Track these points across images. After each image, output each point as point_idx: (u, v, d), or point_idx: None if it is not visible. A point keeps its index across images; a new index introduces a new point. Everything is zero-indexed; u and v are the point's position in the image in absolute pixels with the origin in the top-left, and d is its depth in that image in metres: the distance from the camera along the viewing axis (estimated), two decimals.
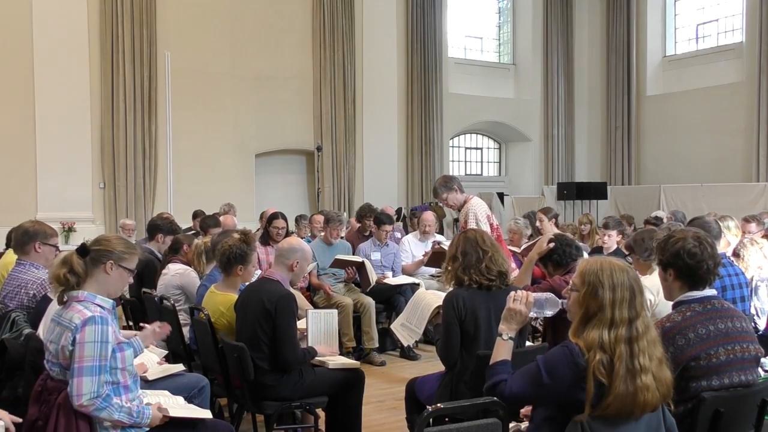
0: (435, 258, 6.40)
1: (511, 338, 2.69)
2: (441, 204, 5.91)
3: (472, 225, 5.40)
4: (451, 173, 14.63)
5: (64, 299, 2.80)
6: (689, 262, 2.73)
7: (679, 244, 2.77)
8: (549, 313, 2.76)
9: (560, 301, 2.72)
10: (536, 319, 5.29)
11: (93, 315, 2.69)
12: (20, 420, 2.65)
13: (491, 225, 5.49)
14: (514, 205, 14.39)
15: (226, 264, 4.19)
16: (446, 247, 5.72)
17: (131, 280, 3.02)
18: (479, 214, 5.47)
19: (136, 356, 2.89)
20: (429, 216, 7.60)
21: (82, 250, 2.82)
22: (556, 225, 7.31)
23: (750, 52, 14.11)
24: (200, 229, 7.08)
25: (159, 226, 6.30)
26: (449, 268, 3.57)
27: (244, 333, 3.74)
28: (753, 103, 13.92)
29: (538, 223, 7.39)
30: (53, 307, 3.31)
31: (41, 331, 3.41)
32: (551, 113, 17.17)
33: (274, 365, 3.68)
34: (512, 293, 2.76)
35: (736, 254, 4.68)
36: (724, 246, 4.98)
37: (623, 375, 2.24)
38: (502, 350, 2.67)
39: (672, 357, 2.59)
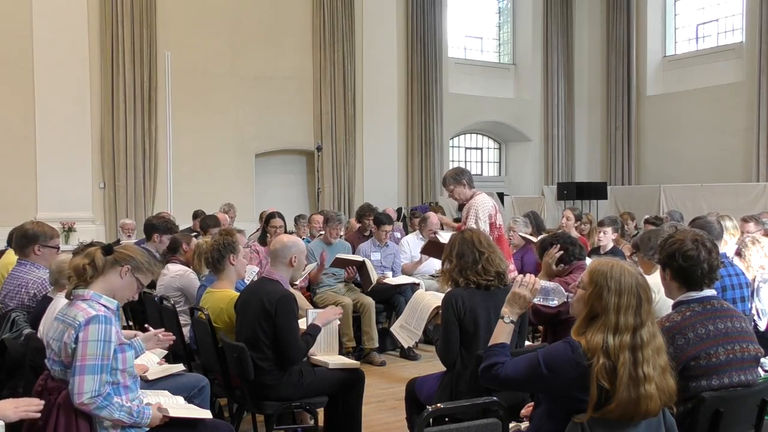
0: (429, 247, 6.31)
1: (512, 321, 2.66)
2: (448, 195, 5.87)
3: (471, 222, 5.38)
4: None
5: (71, 297, 2.82)
6: (684, 264, 2.75)
7: (675, 246, 2.79)
8: (553, 302, 2.73)
9: (566, 294, 2.71)
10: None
11: (97, 314, 2.71)
12: (31, 404, 2.59)
13: (492, 224, 5.46)
14: (514, 205, 14.38)
15: (218, 258, 4.24)
16: (440, 237, 5.70)
17: (136, 297, 3.08)
18: (480, 211, 5.43)
19: (137, 357, 2.90)
20: (435, 219, 7.55)
21: (108, 249, 2.88)
22: (577, 227, 7.37)
23: (750, 52, 14.10)
24: (200, 229, 7.08)
25: (155, 226, 6.26)
26: (445, 269, 3.56)
27: (244, 333, 3.74)
28: (753, 103, 13.91)
29: (563, 221, 7.41)
30: (54, 306, 3.32)
31: (41, 331, 3.41)
32: (551, 113, 17.16)
33: (277, 364, 3.68)
34: (519, 277, 2.72)
35: (738, 253, 4.67)
36: (722, 245, 4.97)
37: (626, 382, 2.22)
38: (502, 333, 2.65)
39: (672, 357, 2.60)
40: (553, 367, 2.32)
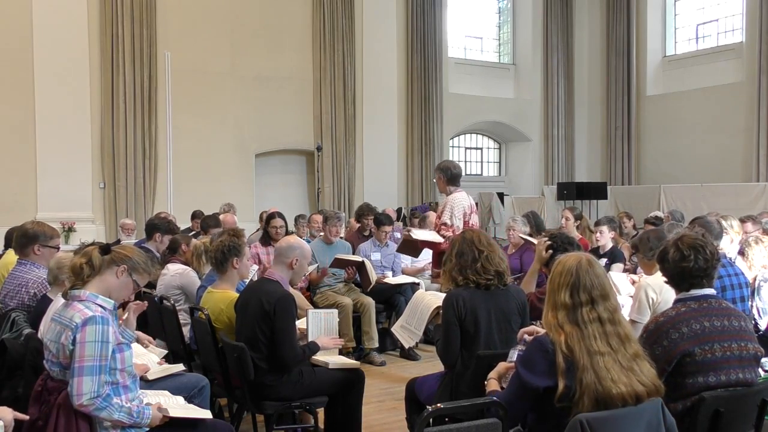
0: (404, 245, 6.28)
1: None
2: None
3: (445, 217, 5.49)
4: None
5: (67, 297, 2.82)
6: (662, 265, 2.92)
7: (662, 247, 2.98)
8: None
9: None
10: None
11: (94, 315, 2.70)
12: (26, 417, 2.65)
13: (465, 222, 5.50)
14: (514, 205, 14.37)
15: (222, 260, 4.22)
16: (414, 235, 5.74)
17: (132, 298, 3.08)
18: (455, 208, 5.53)
19: (128, 346, 2.89)
20: (433, 219, 7.54)
21: (105, 248, 2.88)
22: (578, 227, 7.27)
23: (750, 52, 14.10)
24: (201, 229, 7.08)
25: (156, 226, 6.28)
26: (445, 269, 3.57)
27: (243, 333, 3.73)
28: (753, 103, 13.91)
29: (563, 221, 7.35)
30: (54, 306, 3.32)
31: (42, 331, 3.41)
32: (551, 113, 17.16)
33: (273, 365, 3.68)
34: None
35: (741, 252, 4.67)
36: (727, 245, 4.97)
37: (579, 351, 2.34)
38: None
39: (666, 351, 2.67)
40: (529, 365, 2.43)
